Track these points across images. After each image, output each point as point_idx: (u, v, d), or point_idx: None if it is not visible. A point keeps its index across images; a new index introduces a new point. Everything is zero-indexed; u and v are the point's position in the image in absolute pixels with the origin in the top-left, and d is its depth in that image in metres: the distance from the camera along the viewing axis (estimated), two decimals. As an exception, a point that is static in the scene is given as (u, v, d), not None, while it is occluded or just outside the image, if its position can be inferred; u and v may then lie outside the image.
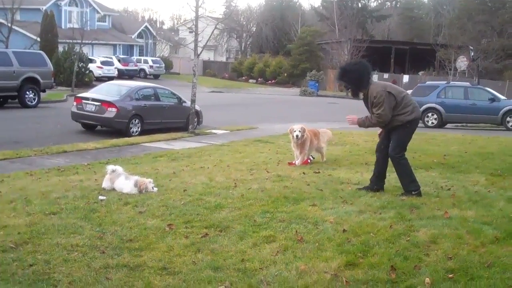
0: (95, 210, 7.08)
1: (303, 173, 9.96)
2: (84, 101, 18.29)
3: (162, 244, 5.76)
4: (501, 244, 5.76)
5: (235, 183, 8.81)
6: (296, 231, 6.13)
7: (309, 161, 11.55)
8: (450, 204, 7.43)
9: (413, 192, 7.95)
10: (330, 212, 6.94)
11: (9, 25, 31.50)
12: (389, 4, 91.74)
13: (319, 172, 10.15)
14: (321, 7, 79.42)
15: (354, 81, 8.14)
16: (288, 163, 11.34)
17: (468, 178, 9.78)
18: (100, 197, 7.71)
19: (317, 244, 5.73)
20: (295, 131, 11.21)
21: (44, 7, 48.16)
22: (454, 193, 8.20)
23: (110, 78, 43.71)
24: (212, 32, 21.25)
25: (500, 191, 8.49)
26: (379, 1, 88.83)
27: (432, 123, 25.20)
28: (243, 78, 64.48)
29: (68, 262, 5.29)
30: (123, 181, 8.36)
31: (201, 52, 19.63)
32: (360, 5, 76.32)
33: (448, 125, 25.90)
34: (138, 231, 6.18)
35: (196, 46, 18.76)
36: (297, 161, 11.28)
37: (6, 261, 5.28)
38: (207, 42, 20.92)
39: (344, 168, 10.84)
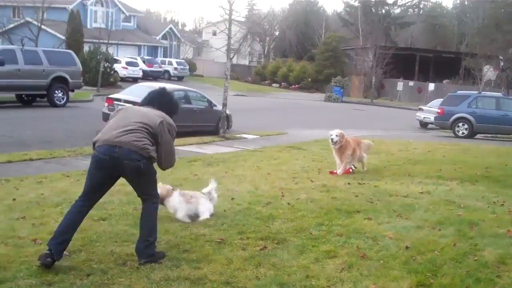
0: (144, 217, 6.90)
1: (348, 183, 9.75)
2: (115, 102, 18.16)
3: (220, 256, 5.58)
4: None
5: (282, 193, 8.61)
6: (357, 247, 5.92)
7: (350, 170, 11.33)
8: (509, 222, 7.19)
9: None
10: (388, 227, 6.73)
11: (38, 24, 31.58)
12: (411, 11, 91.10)
13: (364, 183, 9.93)
14: (343, 13, 79.18)
15: None
16: (330, 172, 11.11)
17: (518, 193, 9.51)
18: (147, 204, 7.52)
19: (381, 261, 5.52)
20: (331, 135, 11.04)
21: (70, 7, 48.26)
22: (509, 209, 7.94)
23: (135, 79, 43.81)
24: (245, 36, 21.13)
25: (555, 207, 8.23)
26: (402, 8, 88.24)
27: (463, 133, 24.80)
28: (267, 82, 64.28)
29: (126, 273, 5.12)
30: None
31: (233, 56, 19.47)
32: (383, 11, 75.98)
33: (478, 136, 25.50)
34: (192, 241, 6.01)
35: (229, 49, 18.59)
36: (339, 170, 11.06)
37: (62, 269, 5.13)
38: (239, 46, 20.77)
39: (388, 179, 10.59)
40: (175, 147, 15.19)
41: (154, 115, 5.75)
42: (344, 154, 11.06)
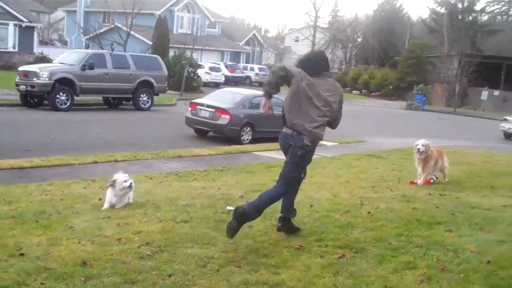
0: (225, 221, 7.03)
1: (429, 194, 9.61)
2: (198, 107, 18.55)
3: (298, 262, 5.64)
4: None
5: (361, 201, 8.59)
6: (437, 259, 5.86)
7: (432, 181, 11.16)
8: None
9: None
10: (469, 240, 6.61)
11: (127, 29, 32.56)
12: (500, 18, 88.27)
13: (445, 194, 9.76)
14: (428, 20, 77.72)
15: None
16: (410, 182, 10.98)
17: None
18: (228, 208, 7.69)
19: (462, 275, 5.44)
20: (417, 144, 10.92)
21: (158, 12, 49.52)
22: None
23: (217, 84, 44.53)
24: (329, 42, 21.09)
25: None
26: (490, 15, 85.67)
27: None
28: (347, 89, 63.67)
29: (206, 274, 5.25)
30: None
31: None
32: (471, 18, 74.14)
33: None
34: (271, 247, 6.10)
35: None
36: (419, 180, 10.92)
37: (145, 269, 5.31)
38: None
39: (470, 191, 10.38)
40: (254, 153, 15.36)
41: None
42: (427, 165, 10.91)
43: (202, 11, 57.32)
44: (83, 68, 23.21)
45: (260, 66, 59.63)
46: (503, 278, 5.37)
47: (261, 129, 18.86)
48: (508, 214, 8.13)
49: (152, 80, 25.72)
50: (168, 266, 5.43)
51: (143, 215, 7.25)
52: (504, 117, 31.24)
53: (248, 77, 54.82)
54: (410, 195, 9.42)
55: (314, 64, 6.54)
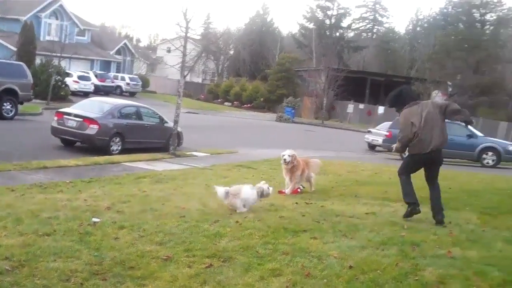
0: (90, 233, 6.85)
1: (296, 203, 9.85)
2: (65, 116, 17.95)
3: (166, 273, 5.58)
4: (509, 287, 5.69)
5: (230, 211, 8.65)
6: (302, 265, 6.00)
7: (299, 190, 11.47)
8: (450, 243, 7.37)
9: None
10: (333, 246, 6.83)
11: (-11, 34, 31.15)
12: (365, 35, 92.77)
13: (311, 203, 10.04)
14: (298, 34, 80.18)
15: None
16: (278, 191, 11.20)
17: (459, 215, 9.75)
18: (94, 219, 7.48)
19: (325, 280, 5.61)
20: (284, 155, 11.18)
21: (24, 18, 47.51)
22: (451, 231, 8.14)
23: (86, 93, 43.40)
24: (200, 54, 21.24)
25: (495, 231, 8.48)
26: (356, 32, 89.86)
27: (410, 156, 25.22)
28: (219, 100, 64.41)
29: (69, 289, 5.07)
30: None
31: (187, 74, 19.50)
32: (338, 34, 77.31)
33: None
34: (138, 258, 5.99)
35: (183, 67, 18.64)
36: (287, 190, 11.18)
37: (4, 284, 5.05)
38: (194, 64, 20.82)
39: (335, 200, 10.76)
40: (124, 163, 15.06)
41: None
42: (294, 174, 11.21)
43: (71, 18, 55.64)
44: None
45: (131, 75, 58.77)
46: (364, 282, 5.59)
47: (131, 140, 18.56)
48: (370, 221, 8.50)
49: (16, 88, 24.54)
50: (29, 281, 5.19)
51: (2, 229, 6.89)
52: (368, 129, 32.71)
53: (118, 86, 53.84)
54: (278, 204, 9.62)
55: (406, 97, 8.97)
